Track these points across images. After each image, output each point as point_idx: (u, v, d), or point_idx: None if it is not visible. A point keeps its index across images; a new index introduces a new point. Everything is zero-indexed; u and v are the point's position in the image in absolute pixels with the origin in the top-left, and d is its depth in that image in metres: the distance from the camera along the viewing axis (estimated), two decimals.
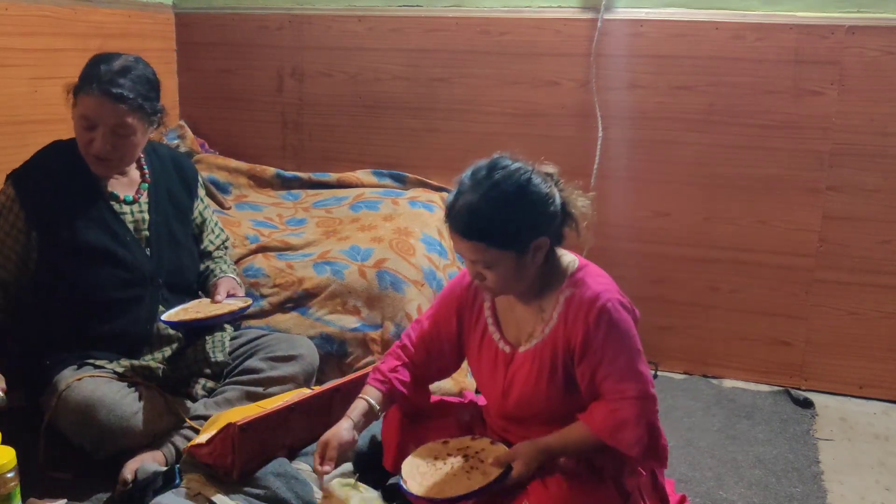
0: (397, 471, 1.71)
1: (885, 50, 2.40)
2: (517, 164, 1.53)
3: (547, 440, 1.57)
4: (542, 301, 1.60)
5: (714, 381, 2.68)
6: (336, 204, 2.78)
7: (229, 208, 2.75)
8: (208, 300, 2.07)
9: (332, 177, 2.93)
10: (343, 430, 1.61)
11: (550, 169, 1.58)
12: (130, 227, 2.02)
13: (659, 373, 2.71)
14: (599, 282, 1.56)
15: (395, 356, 1.74)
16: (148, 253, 2.04)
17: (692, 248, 2.68)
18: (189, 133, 2.99)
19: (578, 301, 1.54)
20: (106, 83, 1.86)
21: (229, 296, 2.06)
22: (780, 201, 2.57)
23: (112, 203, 2.01)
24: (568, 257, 1.62)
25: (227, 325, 2.23)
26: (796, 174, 2.54)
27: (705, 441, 2.24)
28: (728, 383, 2.67)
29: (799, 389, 2.60)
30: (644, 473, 1.60)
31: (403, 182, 2.90)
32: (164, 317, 1.94)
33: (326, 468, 1.57)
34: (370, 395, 1.67)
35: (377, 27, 2.86)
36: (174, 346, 2.06)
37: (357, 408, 1.66)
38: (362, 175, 2.92)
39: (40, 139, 2.07)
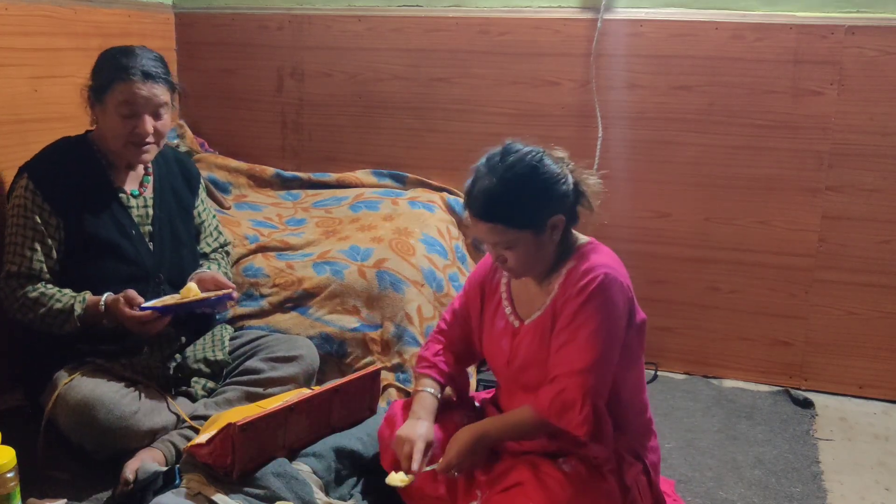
0: (396, 469, 1.72)
1: (884, 50, 2.40)
2: (529, 148, 1.59)
3: (484, 425, 1.62)
4: (551, 276, 1.66)
5: (714, 382, 2.68)
6: (336, 204, 2.78)
7: (229, 208, 2.75)
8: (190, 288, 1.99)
9: (332, 177, 2.93)
10: (426, 429, 1.64)
11: (560, 153, 1.64)
12: (136, 220, 2.03)
13: (659, 373, 2.71)
14: (601, 258, 1.61)
15: (434, 341, 1.83)
16: (151, 248, 2.04)
17: (692, 249, 2.68)
18: (188, 132, 2.99)
19: (577, 272, 1.60)
20: (140, 67, 1.93)
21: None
22: (779, 201, 2.57)
23: (121, 196, 2.03)
24: (581, 238, 1.69)
25: (227, 325, 2.23)
26: (796, 174, 2.54)
27: (705, 441, 2.24)
28: (728, 383, 2.67)
29: (799, 389, 2.60)
30: (638, 465, 1.61)
31: (403, 182, 2.90)
32: (144, 304, 1.89)
33: (415, 467, 1.58)
34: (427, 386, 1.74)
35: (377, 27, 2.86)
36: (174, 345, 2.06)
37: (424, 405, 1.70)
38: (362, 175, 2.92)
39: (41, 138, 2.08)
